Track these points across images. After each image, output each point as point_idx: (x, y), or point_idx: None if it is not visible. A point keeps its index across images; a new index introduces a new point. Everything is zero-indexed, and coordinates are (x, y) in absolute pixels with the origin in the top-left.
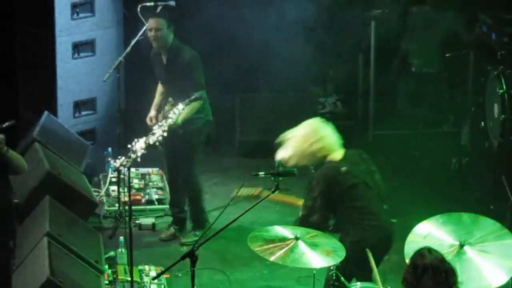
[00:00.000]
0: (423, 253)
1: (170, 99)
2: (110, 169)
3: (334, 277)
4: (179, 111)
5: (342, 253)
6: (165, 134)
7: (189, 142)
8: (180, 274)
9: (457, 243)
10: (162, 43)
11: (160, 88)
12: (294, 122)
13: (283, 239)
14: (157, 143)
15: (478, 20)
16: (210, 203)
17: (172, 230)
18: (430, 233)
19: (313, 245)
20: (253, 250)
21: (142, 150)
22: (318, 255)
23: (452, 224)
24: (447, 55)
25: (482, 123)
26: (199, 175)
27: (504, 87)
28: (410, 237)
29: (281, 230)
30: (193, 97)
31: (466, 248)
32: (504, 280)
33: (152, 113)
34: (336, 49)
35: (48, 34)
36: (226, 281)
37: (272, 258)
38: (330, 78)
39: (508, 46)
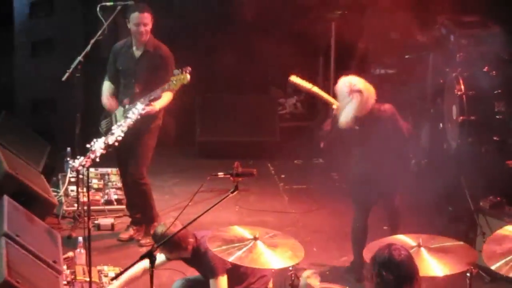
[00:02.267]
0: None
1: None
2: (68, 169)
3: (292, 278)
4: (138, 111)
5: (300, 254)
6: (122, 134)
7: (141, 142)
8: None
9: (415, 244)
10: (146, 37)
11: (108, 84)
12: (254, 123)
13: (242, 240)
14: (116, 143)
15: (437, 22)
16: (170, 203)
17: (131, 230)
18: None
19: (272, 246)
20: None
21: (101, 150)
22: (277, 255)
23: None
24: (406, 56)
25: (441, 124)
26: (146, 175)
27: (463, 88)
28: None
29: (240, 231)
30: (152, 97)
31: (423, 249)
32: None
33: (110, 100)
34: (297, 50)
35: (7, 33)
36: None
37: (230, 259)
38: None
39: (467, 48)
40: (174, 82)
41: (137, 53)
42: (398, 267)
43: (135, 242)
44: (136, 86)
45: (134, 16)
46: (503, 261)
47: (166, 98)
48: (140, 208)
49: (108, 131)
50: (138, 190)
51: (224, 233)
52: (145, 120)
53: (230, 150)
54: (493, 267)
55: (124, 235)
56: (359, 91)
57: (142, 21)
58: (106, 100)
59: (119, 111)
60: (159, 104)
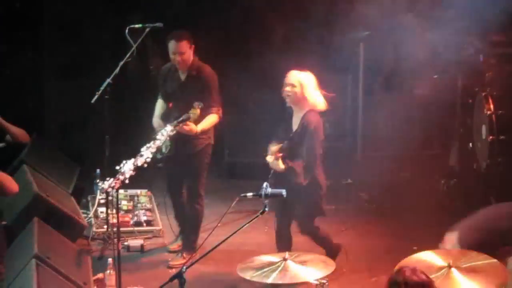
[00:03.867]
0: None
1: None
2: (98, 191)
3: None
4: (167, 133)
5: (332, 264)
6: (151, 156)
7: (197, 162)
8: None
9: (446, 264)
10: (186, 63)
11: (161, 103)
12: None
13: (272, 263)
14: (145, 165)
15: (466, 41)
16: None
17: (179, 241)
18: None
19: (302, 262)
20: (248, 279)
21: (131, 172)
22: (310, 268)
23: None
24: (434, 76)
25: (470, 144)
26: (203, 197)
27: (492, 108)
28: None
29: (265, 258)
30: (180, 118)
31: (453, 270)
32: None
33: (160, 121)
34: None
35: (36, 56)
36: None
37: (269, 280)
38: None
39: (495, 67)
40: (191, 114)
41: (182, 76)
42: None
43: (165, 264)
44: (180, 109)
45: (171, 45)
46: None
47: (210, 120)
48: (186, 229)
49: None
50: (192, 210)
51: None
52: (196, 141)
53: (259, 171)
54: None
55: (174, 246)
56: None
57: (179, 50)
58: (155, 119)
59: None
60: (201, 126)
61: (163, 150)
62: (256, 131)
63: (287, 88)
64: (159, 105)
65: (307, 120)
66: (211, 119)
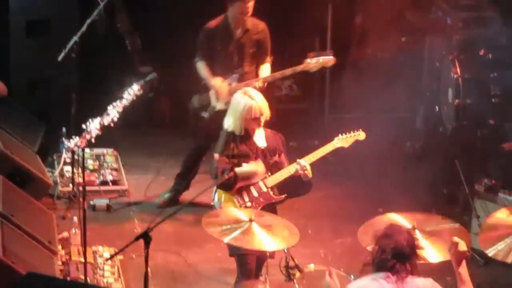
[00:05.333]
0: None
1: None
2: (64, 150)
3: (287, 259)
4: (134, 92)
5: (296, 235)
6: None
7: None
8: (134, 256)
9: (410, 226)
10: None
11: (204, 64)
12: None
13: (238, 221)
14: (112, 124)
15: (433, 4)
16: (165, 185)
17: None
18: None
19: (266, 227)
20: (207, 232)
21: (97, 131)
22: (271, 237)
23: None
24: (402, 39)
25: (437, 107)
26: None
27: (459, 72)
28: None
29: (236, 212)
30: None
31: (417, 231)
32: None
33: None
34: (292, 32)
35: (1, 13)
36: (181, 263)
37: (226, 240)
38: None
39: (463, 31)
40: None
41: (237, 32)
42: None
43: (131, 222)
44: (246, 65)
45: (239, 6)
46: (499, 247)
47: (268, 68)
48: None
49: (201, 107)
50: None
51: (220, 215)
52: None
53: None
54: (489, 254)
55: (161, 201)
56: None
57: (247, 11)
58: (212, 78)
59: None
60: (263, 75)
61: (222, 106)
62: None
63: (262, 120)
64: (204, 65)
65: (276, 134)
66: (268, 68)
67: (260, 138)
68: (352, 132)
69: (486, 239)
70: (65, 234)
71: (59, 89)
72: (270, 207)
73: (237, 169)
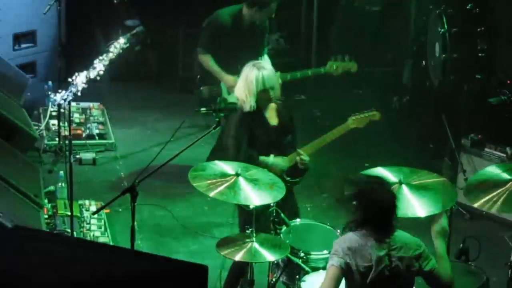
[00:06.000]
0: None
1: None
2: (50, 103)
3: (274, 214)
4: (120, 45)
5: (282, 188)
6: (103, 68)
7: None
8: (120, 209)
9: (397, 180)
10: None
11: (211, 58)
12: (237, 59)
13: (224, 175)
14: (98, 77)
15: None
16: (152, 138)
17: None
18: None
19: (253, 181)
20: (193, 186)
21: (83, 84)
22: (258, 191)
23: (392, 171)
24: None
25: (424, 62)
26: None
27: (446, 26)
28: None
29: (222, 166)
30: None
31: (404, 186)
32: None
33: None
34: None
35: None
36: (167, 217)
37: (212, 194)
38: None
39: None
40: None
41: (248, 27)
42: (377, 202)
43: (118, 176)
44: (239, 59)
45: (269, 10)
46: (484, 199)
47: None
48: None
49: (212, 99)
50: None
51: (206, 169)
52: None
53: None
54: (475, 205)
55: None
56: None
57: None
58: (224, 75)
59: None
60: None
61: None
62: None
63: (271, 94)
64: (212, 60)
65: (285, 107)
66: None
67: (272, 115)
68: (365, 112)
69: (472, 193)
70: (52, 187)
71: (45, 42)
72: (289, 189)
73: (261, 158)
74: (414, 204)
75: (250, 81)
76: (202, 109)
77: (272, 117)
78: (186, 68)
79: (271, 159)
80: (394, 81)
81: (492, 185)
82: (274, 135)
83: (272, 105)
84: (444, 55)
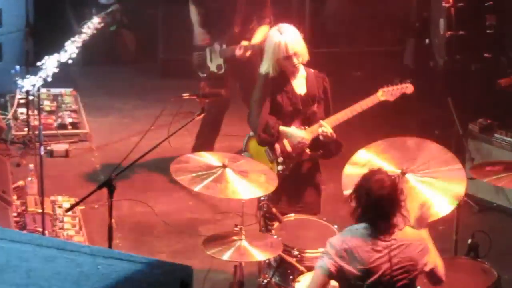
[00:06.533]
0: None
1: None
2: (18, 90)
3: (265, 208)
4: (94, 25)
5: (274, 179)
6: (76, 51)
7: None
8: (96, 206)
9: (399, 171)
10: None
11: (200, 30)
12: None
13: (210, 167)
14: (70, 61)
15: None
16: (130, 128)
17: None
18: (370, 161)
19: (242, 173)
20: (176, 179)
21: (54, 69)
22: (248, 183)
23: (394, 150)
24: None
25: (427, 40)
26: None
27: (451, 0)
28: (348, 167)
29: (207, 157)
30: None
31: (408, 176)
32: (447, 209)
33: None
34: None
35: None
36: (148, 213)
37: (196, 188)
38: None
39: None
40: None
41: None
42: (375, 198)
43: (93, 169)
44: (237, 25)
45: None
46: (493, 174)
47: (263, 33)
48: None
49: (200, 66)
50: None
51: (190, 161)
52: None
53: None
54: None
55: None
56: None
57: None
58: (200, 28)
59: (214, 50)
60: (256, 40)
61: (213, 68)
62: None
63: (295, 61)
64: (196, 12)
65: (318, 77)
66: (265, 31)
67: (299, 82)
68: (398, 84)
69: (478, 170)
70: (21, 182)
71: (11, 22)
72: (311, 164)
73: (281, 128)
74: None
75: (270, 46)
76: (185, 94)
77: (300, 85)
78: (167, 50)
79: (292, 129)
80: (394, 62)
81: (503, 167)
82: (300, 104)
83: (302, 72)
84: (449, 32)
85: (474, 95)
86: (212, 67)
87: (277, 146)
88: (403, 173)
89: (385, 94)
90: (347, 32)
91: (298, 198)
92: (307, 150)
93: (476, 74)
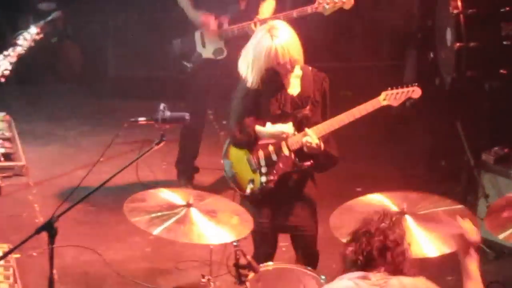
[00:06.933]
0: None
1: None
2: None
3: (238, 255)
4: (31, 37)
5: (249, 221)
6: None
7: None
8: (35, 254)
9: (398, 210)
10: None
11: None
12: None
13: (171, 207)
14: (2, 79)
15: None
16: (76, 159)
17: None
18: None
19: (210, 213)
20: (131, 221)
21: None
22: (217, 226)
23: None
24: None
25: (431, 53)
26: None
27: (460, 6)
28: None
29: (169, 195)
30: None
31: (407, 216)
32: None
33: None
34: None
35: None
36: (98, 262)
37: (155, 232)
38: None
39: None
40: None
41: None
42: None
43: (30, 210)
44: (240, 3)
45: None
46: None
47: (271, 7)
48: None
49: (186, 54)
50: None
51: (147, 200)
52: None
53: (153, 89)
54: (500, 237)
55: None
56: None
57: None
58: (198, 13)
59: (208, 33)
60: (264, 15)
61: (209, 53)
62: (152, 37)
63: (288, 67)
64: (195, 15)
65: (316, 76)
66: (271, 6)
67: (293, 82)
68: (404, 87)
69: (495, 221)
70: None
71: None
72: (301, 176)
73: (257, 128)
74: (421, 241)
75: (259, 52)
76: (141, 118)
77: (293, 85)
78: (119, 66)
79: (269, 127)
80: (392, 79)
81: None
82: (290, 107)
83: (297, 71)
84: (458, 44)
85: (488, 119)
86: (207, 53)
87: (261, 153)
88: (403, 213)
89: (389, 98)
90: (333, 44)
91: (286, 215)
92: (295, 159)
93: (491, 94)
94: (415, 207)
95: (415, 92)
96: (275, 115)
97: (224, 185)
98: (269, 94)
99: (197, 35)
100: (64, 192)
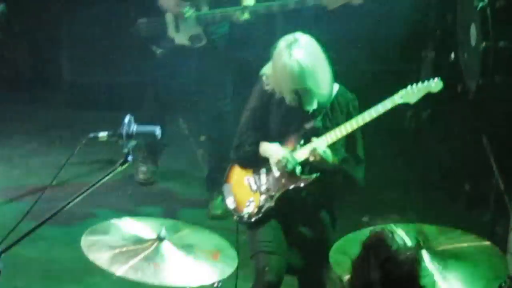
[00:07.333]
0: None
1: None
2: None
3: None
4: None
5: (233, 258)
6: None
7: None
8: None
9: (413, 244)
10: None
11: None
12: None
13: (139, 241)
14: None
15: None
16: (23, 182)
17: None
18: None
19: (186, 248)
20: (90, 258)
21: None
22: (194, 263)
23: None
24: None
25: (452, 54)
26: None
27: None
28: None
29: (136, 226)
30: None
31: (425, 251)
32: None
33: None
34: None
35: None
36: None
37: (119, 272)
38: None
39: None
40: None
41: None
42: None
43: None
44: None
45: None
46: None
47: None
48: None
49: (154, 37)
50: None
51: (109, 232)
52: None
53: (115, 97)
54: None
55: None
56: None
57: None
58: None
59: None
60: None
61: (184, 39)
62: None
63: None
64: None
65: (343, 97)
66: None
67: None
68: (421, 82)
69: None
70: None
71: None
72: (309, 194)
73: (263, 146)
74: (440, 281)
75: (279, 67)
76: (102, 134)
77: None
78: (76, 71)
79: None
80: (406, 86)
81: None
82: (300, 120)
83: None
84: (484, 44)
85: None
86: (181, 39)
87: (262, 172)
88: (419, 247)
89: (406, 96)
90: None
91: (287, 239)
92: (301, 174)
93: None
94: (433, 241)
95: (436, 85)
96: (282, 127)
97: None
98: (280, 105)
99: (169, 16)
100: (9, 223)
